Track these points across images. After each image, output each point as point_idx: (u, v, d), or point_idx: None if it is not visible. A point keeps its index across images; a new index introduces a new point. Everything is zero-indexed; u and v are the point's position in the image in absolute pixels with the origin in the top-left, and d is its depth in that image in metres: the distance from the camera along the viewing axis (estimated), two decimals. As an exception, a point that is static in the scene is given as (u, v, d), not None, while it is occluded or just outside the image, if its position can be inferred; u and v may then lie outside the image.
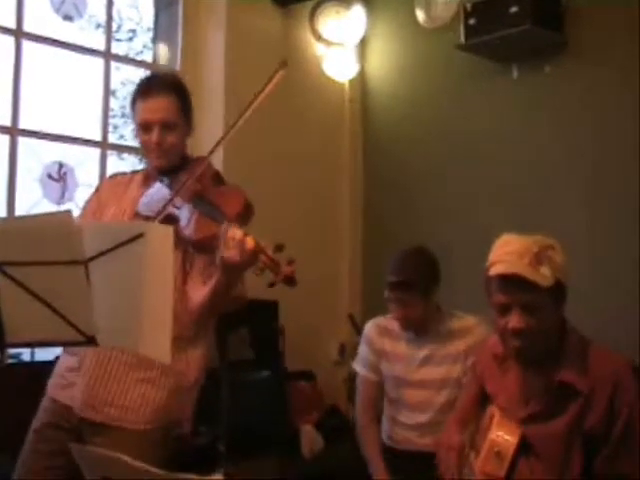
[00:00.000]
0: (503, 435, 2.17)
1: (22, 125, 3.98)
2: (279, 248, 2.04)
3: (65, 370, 2.38)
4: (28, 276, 1.76)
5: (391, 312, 3.09)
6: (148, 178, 2.47)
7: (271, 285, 2.04)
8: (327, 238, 4.92)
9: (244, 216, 2.16)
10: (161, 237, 1.77)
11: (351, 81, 5.07)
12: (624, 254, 3.80)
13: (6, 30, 3.94)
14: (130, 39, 5.11)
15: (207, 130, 4.42)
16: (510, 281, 2.08)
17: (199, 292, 2.28)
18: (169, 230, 1.79)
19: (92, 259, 1.77)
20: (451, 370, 3.05)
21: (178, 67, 4.54)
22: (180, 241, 2.20)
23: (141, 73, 4.37)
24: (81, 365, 2.33)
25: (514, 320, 2.10)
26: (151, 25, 4.66)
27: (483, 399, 2.38)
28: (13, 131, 3.94)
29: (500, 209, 4.27)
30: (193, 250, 2.26)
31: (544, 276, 2.05)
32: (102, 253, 1.76)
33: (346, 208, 5.07)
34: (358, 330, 4.35)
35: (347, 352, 4.82)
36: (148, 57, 4.70)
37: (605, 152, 3.94)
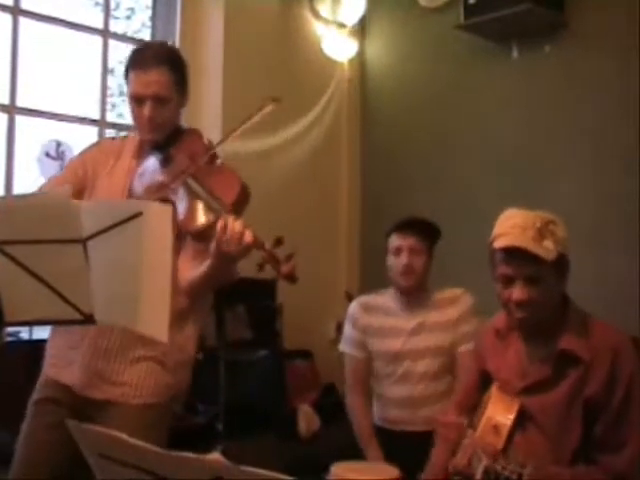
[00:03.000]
0: (500, 411, 2.19)
1: (20, 103, 3.97)
2: (279, 242, 2.04)
3: (65, 348, 2.35)
4: (27, 255, 1.77)
5: (394, 266, 3.09)
6: (141, 149, 2.42)
7: (274, 278, 2.07)
8: (325, 217, 4.92)
9: (240, 203, 2.14)
10: (159, 216, 1.77)
11: (350, 61, 5.04)
12: (624, 231, 3.80)
13: (4, 7, 3.92)
14: (128, 17, 5.09)
15: (206, 109, 4.41)
16: (514, 254, 2.11)
17: (190, 272, 2.26)
18: (167, 209, 1.79)
19: (90, 237, 1.78)
20: (442, 338, 3.08)
21: (177, 46, 4.52)
22: (175, 226, 2.19)
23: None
24: (80, 343, 2.31)
25: (518, 292, 2.13)
26: (149, 3, 4.64)
27: (482, 385, 2.39)
28: (11, 109, 3.93)
29: (499, 188, 4.25)
30: (191, 239, 2.24)
31: (547, 249, 2.09)
32: (100, 232, 1.76)
33: (344, 187, 5.06)
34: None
35: (345, 331, 4.83)
36: (146, 35, 4.67)
37: (605, 132, 3.93)
